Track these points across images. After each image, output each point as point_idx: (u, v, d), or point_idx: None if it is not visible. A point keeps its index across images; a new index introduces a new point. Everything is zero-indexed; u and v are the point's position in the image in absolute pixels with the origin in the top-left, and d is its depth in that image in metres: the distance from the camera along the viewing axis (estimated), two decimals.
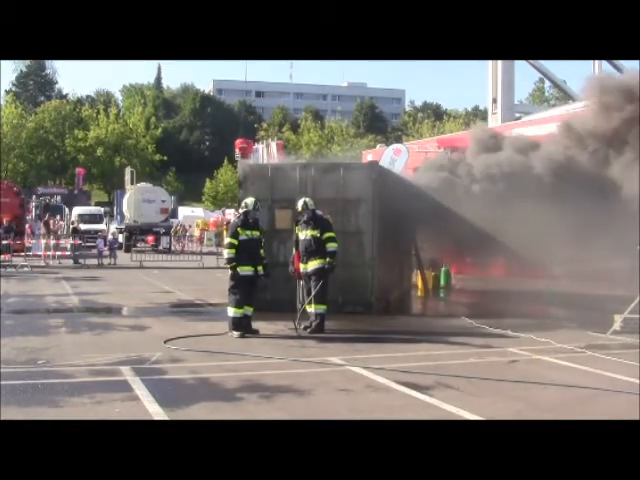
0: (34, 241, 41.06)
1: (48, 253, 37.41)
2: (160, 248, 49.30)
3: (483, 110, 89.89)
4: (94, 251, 39.54)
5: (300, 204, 15.96)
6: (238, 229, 15.23)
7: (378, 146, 51.05)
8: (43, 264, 35.37)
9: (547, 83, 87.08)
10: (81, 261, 36.78)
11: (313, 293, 15.42)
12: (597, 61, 38.41)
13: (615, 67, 37.42)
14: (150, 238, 51.46)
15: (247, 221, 15.35)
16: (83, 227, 48.87)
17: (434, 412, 9.18)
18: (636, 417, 8.79)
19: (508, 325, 16.43)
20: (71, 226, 47.36)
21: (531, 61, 37.79)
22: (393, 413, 9.09)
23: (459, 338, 14.95)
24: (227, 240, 15.68)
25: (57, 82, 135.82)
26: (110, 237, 43.43)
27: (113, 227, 54.95)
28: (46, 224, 46.22)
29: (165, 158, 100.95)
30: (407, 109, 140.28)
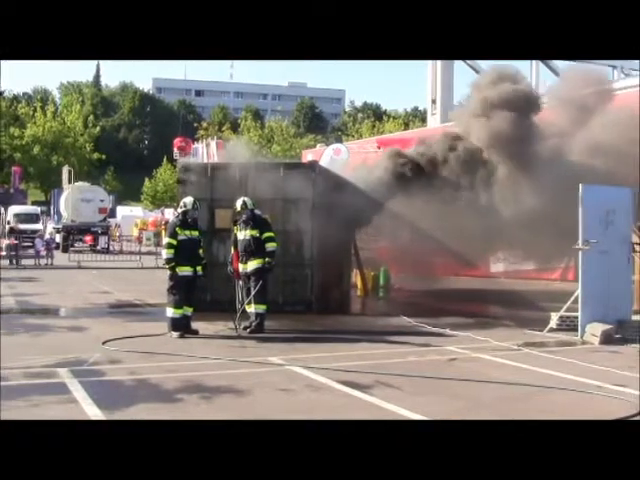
0: None
1: None
2: (98, 248, 48.91)
3: (423, 111, 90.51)
4: (30, 251, 39.02)
5: (239, 204, 15.91)
6: (177, 229, 15.16)
7: (318, 146, 51.18)
8: None
9: None
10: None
11: (252, 293, 15.39)
12: (534, 61, 38.75)
13: (550, 68, 37.85)
14: (88, 238, 51.01)
15: (186, 221, 15.28)
16: (20, 227, 48.30)
17: (375, 411, 9.21)
18: (570, 414, 8.94)
19: (447, 324, 16.60)
20: (7, 226, 46.74)
21: (469, 62, 38.07)
22: (334, 412, 9.09)
23: (398, 337, 15.03)
24: (166, 240, 15.61)
25: None
26: (47, 237, 42.91)
27: (50, 227, 54.35)
28: None
29: (103, 157, 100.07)
30: (347, 109, 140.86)
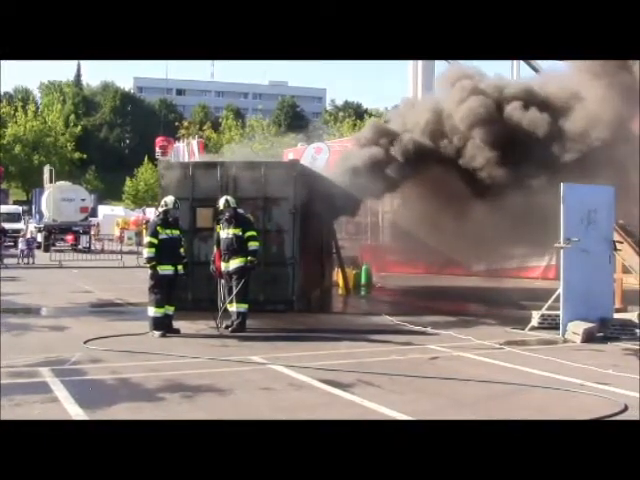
0: None
1: None
2: (80, 247, 48.80)
3: None
4: (12, 250, 38.80)
5: (222, 202, 15.90)
6: (158, 228, 15.14)
7: (299, 145, 51.16)
8: None
9: None
10: None
11: (234, 292, 15.37)
12: (515, 61, 38.82)
13: (532, 68, 37.92)
14: (69, 237, 50.88)
15: (167, 220, 15.26)
16: (2, 226, 48.16)
17: (357, 410, 9.21)
18: (553, 412, 8.98)
19: (428, 322, 16.62)
20: None
21: (450, 61, 38.14)
22: (316, 411, 9.10)
23: (380, 336, 15.04)
24: (147, 239, 15.58)
25: None
26: (28, 236, 42.73)
27: (31, 226, 54.19)
28: None
29: (85, 156, 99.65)
30: (328, 108, 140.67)
